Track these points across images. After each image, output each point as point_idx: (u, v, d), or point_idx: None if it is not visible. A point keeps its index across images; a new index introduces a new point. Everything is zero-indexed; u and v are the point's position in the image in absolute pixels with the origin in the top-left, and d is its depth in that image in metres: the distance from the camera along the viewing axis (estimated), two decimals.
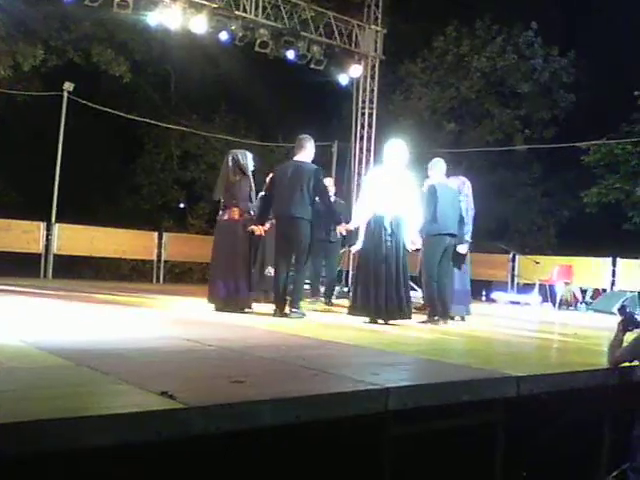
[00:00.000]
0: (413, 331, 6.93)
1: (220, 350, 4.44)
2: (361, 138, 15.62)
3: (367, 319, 7.26)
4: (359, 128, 15.64)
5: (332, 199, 8.89)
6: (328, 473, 3.33)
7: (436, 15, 19.05)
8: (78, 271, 17.15)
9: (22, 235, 13.87)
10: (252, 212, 7.89)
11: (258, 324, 6.58)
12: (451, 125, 19.31)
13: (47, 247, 13.97)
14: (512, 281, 14.94)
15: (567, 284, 13.30)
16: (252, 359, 4.15)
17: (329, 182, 9.57)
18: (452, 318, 8.11)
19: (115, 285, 12.95)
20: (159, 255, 15.59)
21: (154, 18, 12.73)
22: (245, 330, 6.02)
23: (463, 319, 8.43)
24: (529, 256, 14.73)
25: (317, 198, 7.67)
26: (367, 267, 7.34)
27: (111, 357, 3.86)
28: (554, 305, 13.06)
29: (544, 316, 11.20)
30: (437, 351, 5.38)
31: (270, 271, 8.64)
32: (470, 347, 6.16)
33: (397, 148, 7.51)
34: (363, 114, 15.65)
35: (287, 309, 7.56)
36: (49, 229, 14.08)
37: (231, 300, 7.72)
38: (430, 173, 8.06)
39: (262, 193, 8.22)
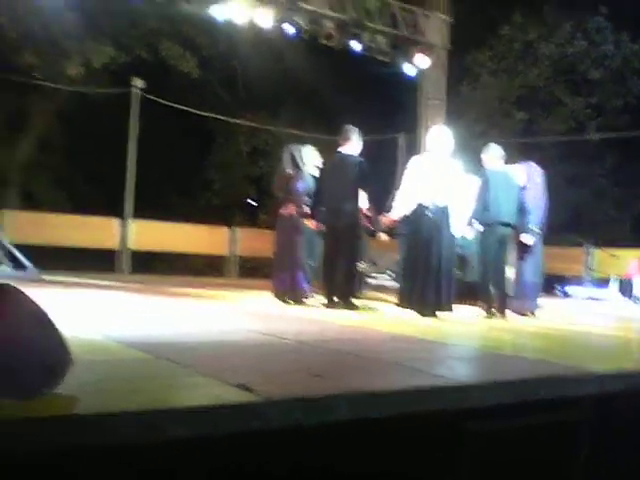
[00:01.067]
0: (477, 325, 6.84)
1: (296, 344, 4.45)
2: (428, 130, 15.41)
3: (414, 312, 7.10)
4: (426, 119, 15.44)
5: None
6: (404, 470, 3.30)
7: (502, 2, 18.69)
8: (153, 266, 17.50)
9: (98, 231, 14.24)
10: (307, 206, 7.96)
11: (331, 318, 6.57)
12: (520, 114, 18.93)
13: (122, 243, 14.29)
14: (588, 275, 14.50)
15: None
16: (328, 353, 4.15)
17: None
18: (523, 313, 7.83)
19: (189, 279, 13.17)
20: (231, 250, 15.78)
21: (220, 12, 12.81)
22: (319, 324, 6.03)
23: (533, 314, 7.98)
24: (606, 249, 14.25)
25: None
26: (411, 259, 7.27)
27: (188, 350, 3.90)
28: (632, 300, 12.62)
29: (622, 311, 10.84)
30: (511, 346, 5.28)
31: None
32: (546, 342, 5.98)
33: (441, 135, 7.35)
34: (430, 105, 15.44)
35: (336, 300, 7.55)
36: (124, 225, 14.40)
37: (290, 292, 7.91)
38: (483, 158, 7.80)
39: None
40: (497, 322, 7.13)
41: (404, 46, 14.79)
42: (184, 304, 7.60)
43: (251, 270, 18.93)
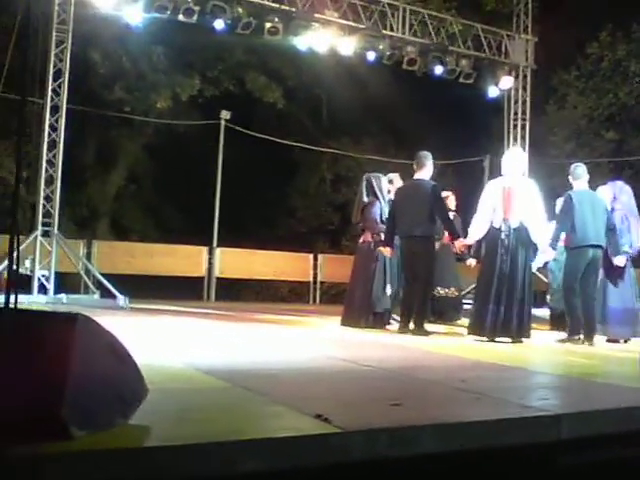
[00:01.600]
0: (559, 351, 6.51)
1: (376, 371, 4.32)
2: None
3: (484, 338, 6.89)
4: (511, 141, 15.13)
5: (451, 215, 8.60)
6: None
7: (588, 21, 18.19)
8: (238, 293, 17.67)
9: (186, 260, 14.52)
10: (382, 234, 7.98)
11: (413, 344, 6.42)
12: (610, 133, 18.32)
13: (209, 270, 14.50)
14: None
15: None
16: (410, 380, 4.00)
17: (450, 198, 9.44)
18: (616, 341, 7.42)
19: (273, 306, 13.20)
20: (315, 276, 15.80)
21: (303, 42, 12.95)
22: (401, 350, 5.89)
23: (626, 342, 7.46)
24: None
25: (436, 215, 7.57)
26: (484, 284, 7.10)
27: (266, 378, 3.83)
28: None
29: None
30: (604, 373, 4.99)
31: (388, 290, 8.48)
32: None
33: (515, 157, 7.29)
34: (515, 126, 15.15)
35: (412, 326, 7.49)
36: (211, 253, 14.63)
37: (363, 318, 7.97)
38: (570, 180, 7.50)
39: None
40: (580, 348, 6.78)
41: (488, 68, 14.58)
42: (265, 331, 7.59)
43: (334, 296, 18.88)
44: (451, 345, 6.63)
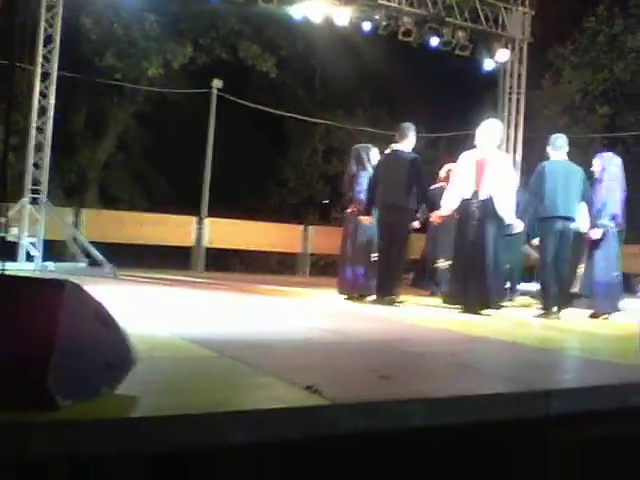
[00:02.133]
0: (545, 327, 6.48)
1: (364, 344, 4.31)
2: (508, 125, 15.00)
3: (461, 309, 6.96)
4: (506, 115, 15.03)
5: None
6: None
7: None
8: (228, 264, 17.63)
9: (175, 229, 14.42)
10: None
11: (400, 317, 6.43)
12: (604, 108, 18.23)
13: (198, 241, 14.43)
14: None
15: None
16: (398, 353, 3.99)
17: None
18: (595, 315, 7.31)
19: (262, 277, 13.17)
20: (304, 248, 15.76)
21: (298, 11, 12.77)
22: (388, 323, 5.87)
23: (607, 317, 7.30)
24: None
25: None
26: (456, 255, 7.22)
27: (255, 348, 3.81)
28: None
29: None
30: (592, 349, 4.99)
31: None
32: (625, 344, 5.67)
33: (488, 129, 7.22)
34: (510, 100, 15.01)
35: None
36: (200, 223, 14.54)
37: (354, 289, 8.01)
38: (549, 151, 7.44)
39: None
40: (563, 323, 6.78)
41: (485, 40, 14.42)
42: (254, 301, 7.56)
43: (324, 268, 18.86)
44: (436, 318, 6.60)
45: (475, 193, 6.98)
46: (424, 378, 3.29)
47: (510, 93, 14.95)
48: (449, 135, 17.38)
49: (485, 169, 6.98)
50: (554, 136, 7.58)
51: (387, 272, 7.57)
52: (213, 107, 15.39)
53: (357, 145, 8.61)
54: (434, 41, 13.81)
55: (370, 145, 8.46)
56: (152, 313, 5.29)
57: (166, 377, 2.86)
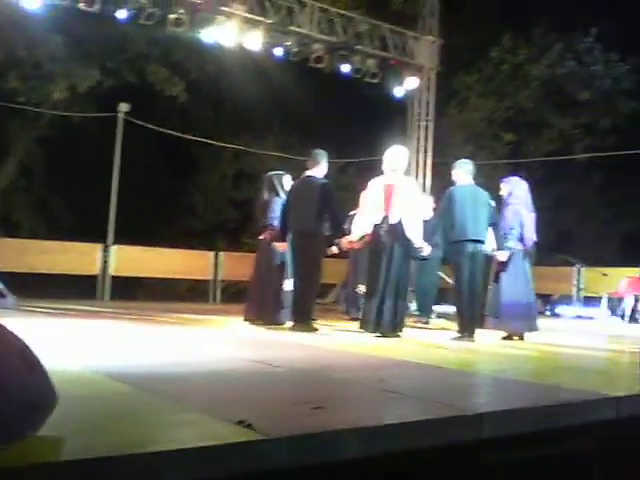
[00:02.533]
0: (464, 350, 6.53)
1: (291, 372, 4.18)
2: (417, 151, 15.29)
3: (377, 333, 7.02)
4: (415, 141, 15.31)
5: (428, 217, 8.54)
6: None
7: (491, 25, 18.64)
8: (135, 292, 17.15)
9: (79, 257, 13.92)
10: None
11: (319, 343, 6.36)
12: (509, 135, 18.85)
13: (104, 269, 13.97)
14: (577, 294, 14.35)
15: (637, 296, 12.68)
16: (327, 382, 3.88)
17: (428, 201, 9.42)
18: (509, 338, 7.42)
19: (172, 306, 12.82)
20: (215, 275, 15.49)
21: (209, 35, 12.65)
22: (312, 350, 5.75)
23: (521, 337, 7.44)
24: (596, 268, 14.14)
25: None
26: (368, 279, 7.29)
27: (177, 382, 3.63)
28: (623, 318, 12.49)
29: (617, 330, 10.63)
30: (520, 370, 5.02)
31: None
32: (553, 365, 5.78)
33: (394, 155, 7.35)
34: (419, 127, 15.34)
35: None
36: (106, 251, 14.08)
37: (264, 316, 7.97)
38: (452, 174, 7.62)
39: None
40: (481, 345, 6.88)
41: (394, 68, 14.69)
42: (168, 331, 7.29)
43: (234, 295, 18.62)
44: (354, 343, 6.56)
45: (385, 218, 7.10)
46: (357, 407, 3.19)
47: (419, 120, 15.27)
48: (359, 161, 17.52)
49: (393, 194, 7.11)
50: (462, 161, 7.75)
51: (301, 298, 7.57)
52: (120, 131, 14.98)
53: (270, 172, 8.62)
54: (345, 68, 13.99)
55: (283, 172, 8.49)
56: (60, 346, 4.99)
57: (88, 416, 2.66)
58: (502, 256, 7.42)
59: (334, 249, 8.25)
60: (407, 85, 14.91)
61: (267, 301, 7.99)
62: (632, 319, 12.42)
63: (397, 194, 7.10)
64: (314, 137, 19.43)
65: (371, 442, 2.69)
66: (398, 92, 15.05)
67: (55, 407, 2.24)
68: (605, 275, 13.31)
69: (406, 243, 7.10)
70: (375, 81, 14.43)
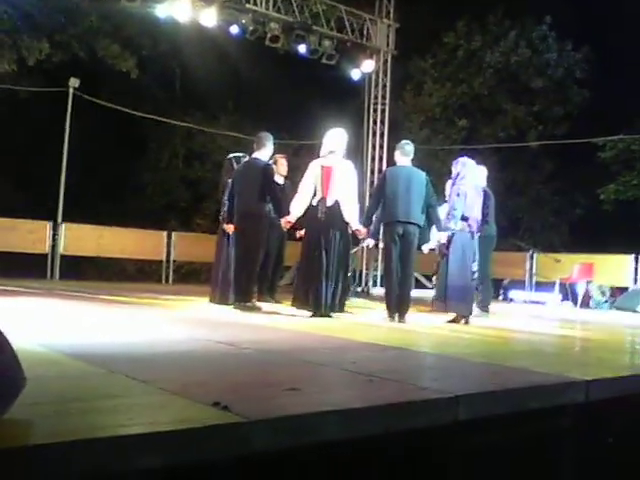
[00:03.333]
0: (434, 333, 6.56)
1: (259, 354, 4.09)
2: (373, 134, 15.26)
3: (309, 313, 7.13)
4: (371, 124, 15.27)
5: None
6: None
7: (446, 10, 18.67)
8: (84, 272, 16.83)
9: (28, 235, 13.55)
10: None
11: (279, 324, 6.31)
12: (463, 121, 18.96)
13: (53, 247, 13.64)
14: (530, 280, 14.55)
15: (589, 282, 12.92)
16: (298, 364, 3.79)
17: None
18: (455, 321, 7.35)
19: (124, 286, 12.59)
20: (168, 255, 15.25)
21: (163, 11, 12.40)
22: (276, 332, 5.67)
23: (466, 321, 7.36)
24: (549, 254, 14.36)
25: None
26: (304, 260, 7.37)
27: (145, 362, 3.50)
28: (575, 304, 12.71)
29: (570, 315, 10.80)
30: (486, 353, 5.01)
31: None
32: (516, 349, 5.80)
33: (334, 137, 7.37)
34: (375, 110, 15.31)
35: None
36: (55, 229, 13.75)
37: (223, 296, 8.04)
38: (396, 157, 7.61)
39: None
40: (436, 327, 6.95)
41: (350, 50, 14.60)
42: (126, 312, 7.13)
43: (186, 275, 18.41)
44: (328, 325, 6.45)
45: (321, 200, 7.17)
46: (332, 389, 3.12)
47: (375, 103, 15.22)
48: (312, 143, 17.42)
49: (331, 176, 7.16)
50: (403, 142, 7.71)
51: (243, 279, 7.64)
52: (69, 107, 14.57)
53: (230, 155, 8.59)
54: (301, 48, 13.88)
55: (243, 154, 8.40)
56: (17, 326, 4.80)
57: (57, 398, 2.52)
58: (441, 237, 7.45)
59: (369, 242, 8.02)
60: (363, 68, 14.87)
61: (228, 282, 7.98)
62: (583, 304, 12.64)
63: (334, 177, 7.15)
64: (267, 118, 19.31)
65: (351, 424, 2.63)
66: (354, 75, 14.99)
67: (24, 388, 2.12)
68: (558, 261, 13.49)
69: (343, 226, 7.19)
70: (331, 62, 14.32)
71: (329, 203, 7.12)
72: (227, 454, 2.26)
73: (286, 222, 7.63)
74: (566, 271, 13.07)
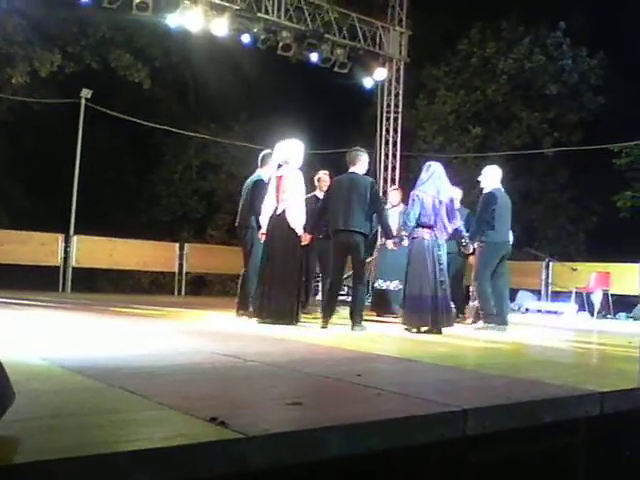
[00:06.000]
0: (448, 343, 6.42)
1: (264, 367, 3.99)
2: (386, 143, 15.19)
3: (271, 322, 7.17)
4: (384, 133, 15.19)
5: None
6: None
7: (459, 17, 18.57)
8: (97, 284, 16.83)
9: (40, 247, 13.56)
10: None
11: (294, 337, 6.16)
12: (477, 129, 18.80)
13: (65, 260, 13.63)
14: (546, 289, 14.36)
15: (605, 291, 12.73)
16: (302, 377, 3.70)
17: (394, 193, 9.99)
18: (409, 330, 7.22)
19: (136, 298, 12.55)
20: (180, 267, 15.20)
21: (174, 20, 12.40)
22: (284, 344, 5.58)
23: (419, 331, 7.18)
24: (565, 263, 14.17)
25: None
26: (261, 268, 7.49)
27: (144, 376, 3.41)
28: (592, 314, 12.52)
29: (587, 325, 10.63)
30: (498, 364, 4.89)
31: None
32: (530, 359, 5.67)
33: (285, 147, 7.43)
34: (388, 119, 15.23)
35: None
36: (67, 241, 13.75)
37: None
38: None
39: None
40: (455, 337, 6.84)
41: (363, 58, 14.55)
42: (134, 324, 7.06)
43: (200, 287, 18.37)
44: (339, 338, 6.35)
45: (275, 208, 7.37)
46: (336, 403, 3.02)
47: (388, 112, 15.14)
48: (325, 152, 17.36)
49: (281, 185, 7.33)
50: (354, 149, 7.65)
51: (243, 289, 8.04)
52: (81, 118, 14.59)
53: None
54: (313, 57, 13.84)
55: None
56: (22, 339, 4.76)
57: (52, 413, 2.45)
58: (389, 245, 7.58)
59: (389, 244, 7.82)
60: (376, 76, 14.81)
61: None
62: (600, 314, 12.45)
63: (284, 185, 7.31)
64: (281, 128, 19.22)
65: (354, 440, 2.53)
66: (367, 83, 14.93)
67: (10, 404, 2.04)
68: (575, 270, 13.31)
69: (289, 233, 7.26)
70: (344, 71, 14.27)
71: (279, 211, 7.33)
72: (223, 472, 2.18)
73: (261, 234, 7.71)
74: (583, 280, 12.89)
